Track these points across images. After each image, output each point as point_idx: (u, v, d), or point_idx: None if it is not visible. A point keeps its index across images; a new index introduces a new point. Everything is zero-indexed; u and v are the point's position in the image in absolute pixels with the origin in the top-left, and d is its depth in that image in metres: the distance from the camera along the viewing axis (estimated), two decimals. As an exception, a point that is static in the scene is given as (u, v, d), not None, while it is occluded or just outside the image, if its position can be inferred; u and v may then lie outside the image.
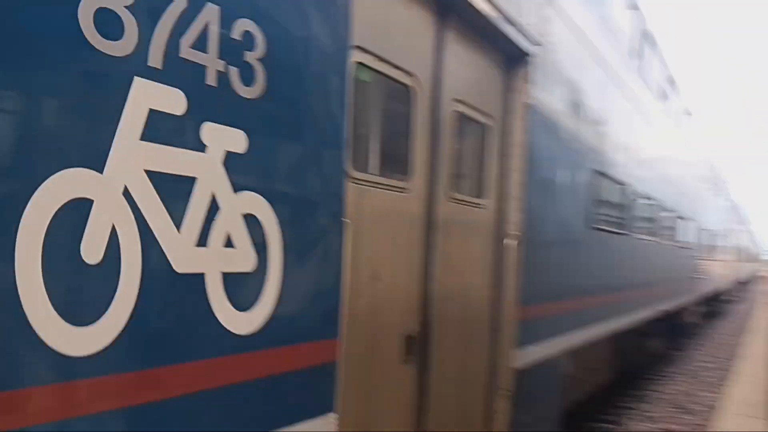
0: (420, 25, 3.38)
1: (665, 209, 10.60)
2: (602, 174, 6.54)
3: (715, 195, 20.21)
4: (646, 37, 8.70)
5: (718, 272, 21.98)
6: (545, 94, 4.74)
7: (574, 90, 5.55)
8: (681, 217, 12.38)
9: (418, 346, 3.41)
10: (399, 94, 3.25)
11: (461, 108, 3.80)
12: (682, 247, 12.75)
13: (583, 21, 5.72)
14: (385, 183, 3.08)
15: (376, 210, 2.97)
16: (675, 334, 13.64)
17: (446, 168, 3.62)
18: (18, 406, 1.40)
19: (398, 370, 3.25)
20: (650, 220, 9.49)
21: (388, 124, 3.30)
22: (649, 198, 9.21)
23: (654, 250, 9.75)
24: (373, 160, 3.17)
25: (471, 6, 3.51)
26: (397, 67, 3.11)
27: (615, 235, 7.20)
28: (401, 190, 3.22)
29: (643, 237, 8.85)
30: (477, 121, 4.06)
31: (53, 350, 1.46)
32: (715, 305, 22.98)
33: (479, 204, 4.11)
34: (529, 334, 4.54)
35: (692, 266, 14.53)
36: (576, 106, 5.62)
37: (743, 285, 42.38)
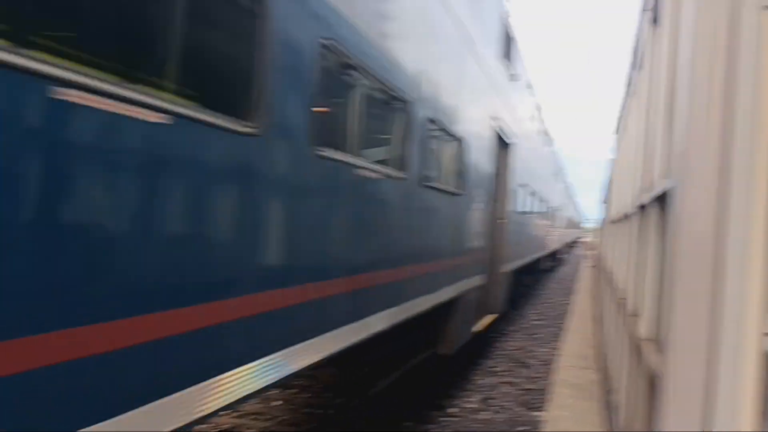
0: None
1: (542, 199, 17.86)
2: (525, 186, 13.21)
3: (556, 181, 28.57)
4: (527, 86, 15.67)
5: (557, 237, 30.65)
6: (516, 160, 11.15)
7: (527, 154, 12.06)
8: (545, 202, 19.83)
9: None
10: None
11: None
12: (546, 220, 20.28)
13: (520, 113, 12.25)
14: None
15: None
16: (537, 275, 21.38)
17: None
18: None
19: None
20: (540, 207, 16.69)
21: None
22: (540, 197, 16.35)
23: (538, 222, 16.93)
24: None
25: None
26: None
27: (531, 215, 14.01)
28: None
29: (534, 216, 15.91)
30: None
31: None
32: (553, 262, 31.76)
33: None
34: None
35: (546, 231, 22.27)
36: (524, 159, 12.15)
37: (570, 247, 53.48)
